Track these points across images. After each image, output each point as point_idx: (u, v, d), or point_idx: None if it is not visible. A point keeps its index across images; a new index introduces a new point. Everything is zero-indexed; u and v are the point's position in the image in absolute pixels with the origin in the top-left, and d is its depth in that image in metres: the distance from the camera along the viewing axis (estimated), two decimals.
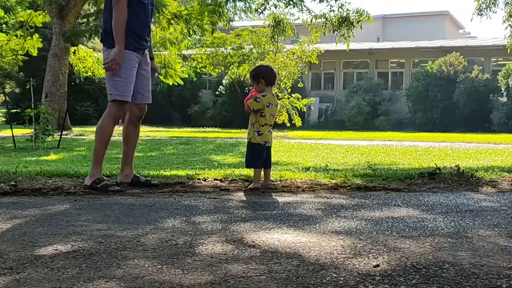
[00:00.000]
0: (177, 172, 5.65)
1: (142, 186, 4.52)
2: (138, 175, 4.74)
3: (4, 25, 19.23)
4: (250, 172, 5.45)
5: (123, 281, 2.00)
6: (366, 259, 2.29)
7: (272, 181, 4.83)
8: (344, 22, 14.16)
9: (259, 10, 15.21)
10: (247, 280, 2.01)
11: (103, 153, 4.62)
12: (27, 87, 17.42)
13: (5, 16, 17.87)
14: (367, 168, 5.77)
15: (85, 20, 19.15)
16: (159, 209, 3.54)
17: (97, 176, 4.39)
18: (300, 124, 18.44)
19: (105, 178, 4.48)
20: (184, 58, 23.07)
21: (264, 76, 4.65)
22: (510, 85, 22.51)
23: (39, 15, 18.49)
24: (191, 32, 17.06)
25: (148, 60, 4.73)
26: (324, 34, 14.92)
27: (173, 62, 19.02)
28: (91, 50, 22.37)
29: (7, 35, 18.68)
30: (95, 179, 4.34)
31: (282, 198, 4.02)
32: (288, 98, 18.74)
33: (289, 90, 19.15)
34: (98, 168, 4.47)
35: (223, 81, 27.80)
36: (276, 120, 18.70)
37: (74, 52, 20.68)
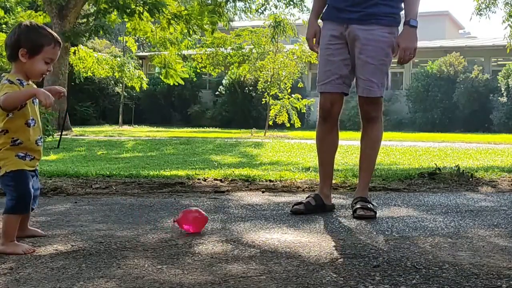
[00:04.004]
0: (177, 172, 5.66)
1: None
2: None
3: (4, 25, 19.22)
4: (250, 172, 5.46)
5: (123, 281, 2.00)
6: (366, 259, 2.29)
7: (272, 181, 4.83)
8: None
9: (259, 10, 15.22)
10: (247, 280, 2.01)
11: None
12: None
13: (5, 16, 17.87)
14: None
15: (85, 20, 19.15)
16: (159, 209, 3.54)
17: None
18: (299, 125, 18.44)
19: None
20: (184, 58, 23.09)
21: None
22: (510, 85, 22.51)
23: (40, 15, 18.49)
24: (191, 32, 17.07)
25: None
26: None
27: (173, 62, 19.03)
28: (91, 50, 22.39)
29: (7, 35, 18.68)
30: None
31: (282, 198, 4.02)
32: (288, 98, 18.75)
33: (289, 90, 19.15)
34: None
35: (223, 81, 27.80)
36: (276, 120, 18.75)
37: (74, 52, 20.69)
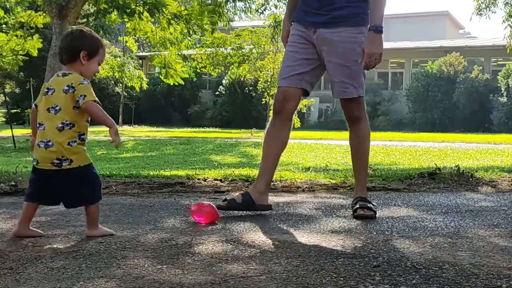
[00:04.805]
0: (177, 172, 5.66)
1: None
2: None
3: (4, 25, 19.22)
4: (250, 172, 5.45)
5: (123, 281, 2.00)
6: (366, 259, 2.29)
7: (272, 180, 4.83)
8: None
9: (259, 10, 15.21)
10: (247, 280, 2.01)
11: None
12: (27, 87, 17.45)
13: (5, 16, 17.87)
14: None
15: (85, 20, 19.14)
16: (159, 209, 3.54)
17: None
18: (299, 125, 18.45)
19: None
20: (184, 58, 23.07)
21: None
22: (510, 85, 22.51)
23: (40, 15, 18.49)
24: (191, 32, 17.06)
25: None
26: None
27: (173, 62, 19.02)
28: None
29: (7, 35, 18.68)
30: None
31: (282, 198, 4.02)
32: None
33: None
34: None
35: (223, 81, 27.81)
36: None
37: None
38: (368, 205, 3.32)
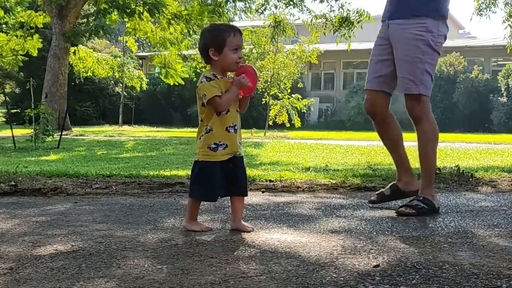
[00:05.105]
0: (177, 172, 5.65)
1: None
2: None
3: (4, 25, 19.23)
4: (250, 172, 5.44)
5: (123, 281, 2.00)
6: (366, 259, 2.29)
7: (272, 181, 4.83)
8: (345, 22, 14.17)
9: (259, 10, 15.22)
10: (247, 280, 2.01)
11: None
12: (27, 87, 17.43)
13: (5, 16, 17.87)
14: (367, 168, 5.76)
15: (85, 20, 19.15)
16: (159, 209, 3.54)
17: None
18: (300, 125, 18.45)
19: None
20: (184, 58, 23.09)
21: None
22: (510, 85, 22.51)
23: (40, 15, 18.49)
24: (191, 32, 17.06)
25: None
26: (324, 34, 14.93)
27: (173, 62, 19.03)
28: (91, 50, 22.38)
29: (7, 35, 18.68)
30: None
31: (282, 198, 4.02)
32: (288, 98, 18.75)
33: (289, 90, 19.16)
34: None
35: None
36: (276, 120, 18.75)
37: (74, 52, 20.68)
38: (415, 203, 3.35)
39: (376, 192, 3.78)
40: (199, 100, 2.83)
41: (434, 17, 3.42)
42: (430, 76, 3.45)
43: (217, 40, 2.80)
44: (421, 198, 3.39)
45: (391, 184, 3.72)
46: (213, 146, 2.80)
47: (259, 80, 3.09)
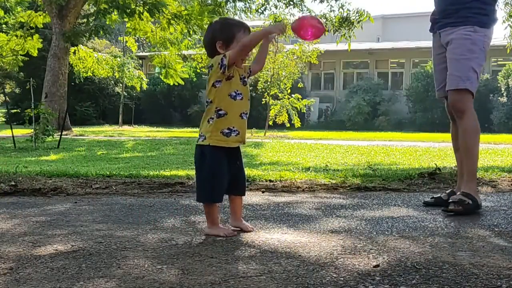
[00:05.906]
0: (177, 172, 5.66)
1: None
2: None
3: (4, 25, 19.23)
4: (250, 172, 5.44)
5: (123, 281, 2.00)
6: (366, 259, 2.29)
7: (272, 181, 4.83)
8: (345, 22, 14.18)
9: (259, 10, 15.22)
10: (247, 280, 2.01)
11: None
12: (27, 87, 17.44)
13: (5, 16, 17.87)
14: (367, 168, 5.76)
15: (85, 20, 19.14)
16: (159, 209, 3.54)
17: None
18: (299, 125, 18.44)
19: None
20: (184, 58, 23.08)
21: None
22: (510, 85, 22.50)
23: (40, 15, 18.49)
24: (191, 32, 17.06)
25: None
26: (324, 34, 14.92)
27: (173, 62, 19.03)
28: (91, 50, 22.39)
29: (7, 35, 18.69)
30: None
31: (282, 198, 4.02)
32: (288, 98, 18.75)
33: (289, 90, 19.15)
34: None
35: None
36: (276, 120, 18.74)
37: (74, 52, 20.69)
38: (462, 198, 3.35)
39: (434, 196, 3.80)
40: (214, 74, 2.72)
41: (482, 26, 3.53)
42: (476, 74, 3.55)
43: (227, 34, 2.75)
44: (466, 193, 3.42)
45: (449, 191, 3.77)
46: (227, 131, 2.74)
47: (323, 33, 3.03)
